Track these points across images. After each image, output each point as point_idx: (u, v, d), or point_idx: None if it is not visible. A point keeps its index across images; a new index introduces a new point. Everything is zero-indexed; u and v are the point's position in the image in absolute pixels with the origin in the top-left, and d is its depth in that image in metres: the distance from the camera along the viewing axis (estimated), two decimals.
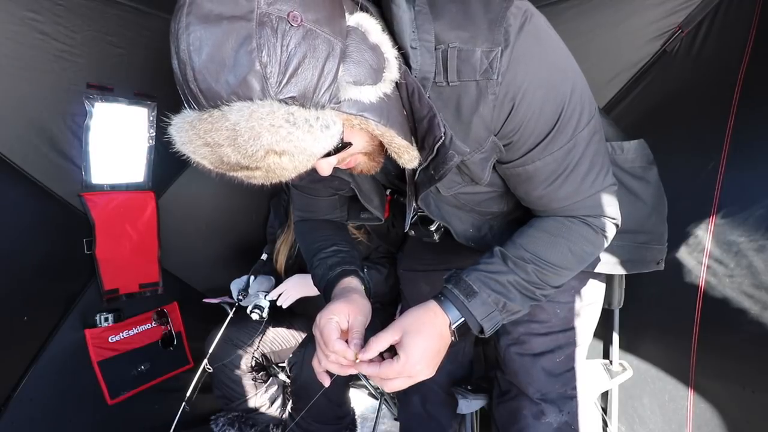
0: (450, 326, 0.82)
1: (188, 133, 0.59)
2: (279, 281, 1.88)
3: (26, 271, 1.62)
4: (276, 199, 2.21)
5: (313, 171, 0.74)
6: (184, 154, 0.63)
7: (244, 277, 1.93)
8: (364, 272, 1.04)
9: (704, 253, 1.32)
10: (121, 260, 1.91)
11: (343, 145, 0.69)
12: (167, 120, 0.63)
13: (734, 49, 1.33)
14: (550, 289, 0.88)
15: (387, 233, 1.78)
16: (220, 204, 2.32)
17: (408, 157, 0.75)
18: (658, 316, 1.48)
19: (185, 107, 0.60)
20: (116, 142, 1.83)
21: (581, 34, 1.60)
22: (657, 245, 1.17)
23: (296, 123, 0.57)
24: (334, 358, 0.81)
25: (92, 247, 1.81)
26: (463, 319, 0.82)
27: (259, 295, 1.81)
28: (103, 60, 1.64)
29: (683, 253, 1.38)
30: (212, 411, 1.89)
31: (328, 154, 0.67)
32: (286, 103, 0.56)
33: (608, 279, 1.42)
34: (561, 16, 1.59)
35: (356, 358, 0.79)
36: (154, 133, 1.91)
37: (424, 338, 0.78)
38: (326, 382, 0.86)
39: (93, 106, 1.68)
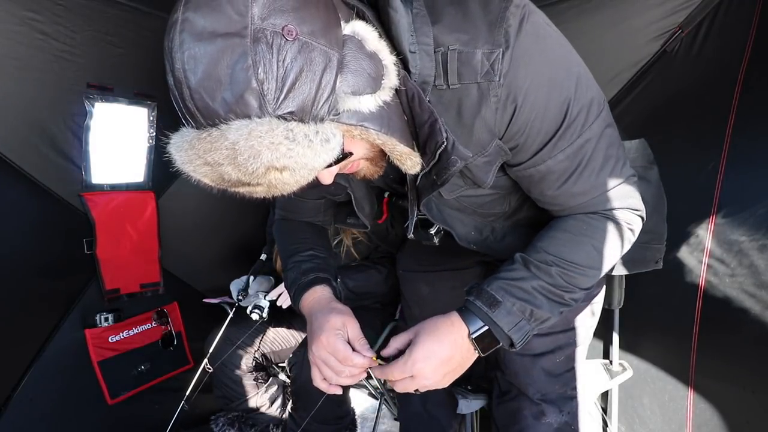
0: (469, 335, 0.80)
1: (188, 152, 0.58)
2: (278, 281, 1.88)
3: (26, 271, 1.62)
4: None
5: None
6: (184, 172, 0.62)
7: (244, 278, 1.92)
8: (336, 282, 1.04)
9: (704, 253, 1.32)
10: (121, 260, 1.91)
11: (344, 156, 0.68)
12: (168, 135, 0.63)
13: (734, 49, 1.33)
14: (579, 292, 0.84)
15: (386, 234, 1.78)
16: (220, 204, 2.32)
17: (410, 163, 0.74)
18: (658, 316, 1.48)
19: (183, 125, 0.59)
20: (116, 142, 1.83)
21: (581, 33, 1.60)
22: (656, 244, 1.16)
23: (296, 139, 0.56)
24: (348, 372, 0.82)
25: (93, 247, 1.81)
26: (484, 327, 0.79)
27: (258, 296, 1.81)
28: (103, 60, 1.64)
29: (684, 253, 1.38)
30: (212, 411, 1.89)
31: (329, 165, 0.66)
32: (285, 119, 0.56)
33: (608, 279, 1.43)
34: (561, 16, 1.59)
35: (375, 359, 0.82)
36: (154, 133, 1.91)
37: (433, 341, 0.78)
38: (339, 390, 0.87)
39: (93, 106, 1.68)
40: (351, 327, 0.86)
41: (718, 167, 1.31)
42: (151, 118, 1.89)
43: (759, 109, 1.25)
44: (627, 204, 0.84)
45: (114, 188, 1.86)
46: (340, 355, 0.82)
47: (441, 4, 0.70)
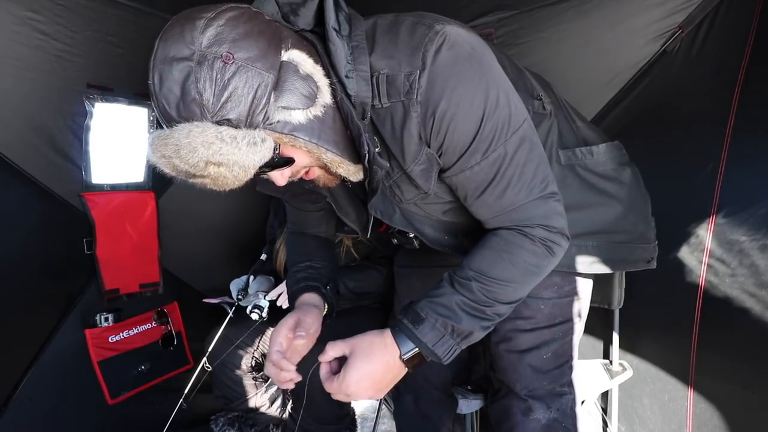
0: (401, 356, 0.86)
1: (152, 146, 0.73)
2: (278, 281, 1.88)
3: (26, 271, 1.62)
4: (275, 200, 2.20)
5: (294, 184, 0.90)
6: None
7: (244, 277, 1.92)
8: (326, 289, 1.17)
9: (704, 253, 1.32)
10: (121, 260, 1.91)
11: (284, 161, 0.80)
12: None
13: (734, 49, 1.33)
14: (501, 306, 0.89)
15: (388, 241, 1.78)
16: (220, 204, 2.32)
17: (344, 171, 0.85)
18: (658, 316, 1.48)
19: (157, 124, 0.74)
20: (116, 142, 1.83)
21: (581, 34, 1.60)
22: (641, 244, 1.17)
23: (224, 140, 0.69)
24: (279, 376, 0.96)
25: (92, 247, 1.81)
26: (415, 349, 0.86)
27: (258, 295, 1.81)
28: (103, 60, 1.64)
29: (684, 253, 1.38)
30: (212, 411, 1.89)
31: (269, 167, 0.78)
32: (219, 124, 0.69)
33: (608, 278, 1.43)
34: (561, 16, 1.59)
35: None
36: None
37: (367, 364, 0.86)
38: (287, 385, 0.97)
39: (93, 106, 1.69)
40: (306, 322, 1.01)
41: (718, 167, 1.31)
42: (151, 118, 1.89)
43: (759, 109, 1.25)
44: (543, 222, 0.88)
45: (114, 188, 1.86)
46: (272, 359, 0.96)
47: (379, 35, 0.83)
